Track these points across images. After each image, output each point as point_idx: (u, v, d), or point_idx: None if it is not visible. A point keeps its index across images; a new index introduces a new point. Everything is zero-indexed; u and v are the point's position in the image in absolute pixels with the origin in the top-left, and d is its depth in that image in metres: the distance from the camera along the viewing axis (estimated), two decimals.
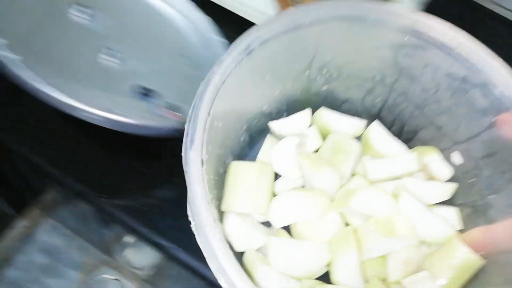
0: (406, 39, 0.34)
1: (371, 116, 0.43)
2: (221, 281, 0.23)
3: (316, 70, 0.39)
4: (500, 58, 0.32)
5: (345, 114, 0.42)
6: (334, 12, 0.34)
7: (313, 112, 0.42)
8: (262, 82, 0.36)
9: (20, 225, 0.39)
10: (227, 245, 0.23)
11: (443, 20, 0.34)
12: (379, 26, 0.34)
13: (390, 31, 0.34)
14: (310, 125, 0.42)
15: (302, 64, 0.37)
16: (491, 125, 0.33)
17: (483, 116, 0.33)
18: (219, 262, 0.23)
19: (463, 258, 0.32)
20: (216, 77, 0.28)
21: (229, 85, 0.30)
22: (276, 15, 0.34)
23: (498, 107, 0.32)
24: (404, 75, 0.37)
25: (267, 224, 0.37)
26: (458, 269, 0.32)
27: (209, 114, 0.27)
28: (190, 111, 0.27)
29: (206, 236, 0.23)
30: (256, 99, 0.37)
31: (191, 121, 0.26)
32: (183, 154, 0.25)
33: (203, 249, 0.24)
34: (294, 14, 0.33)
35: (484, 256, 0.32)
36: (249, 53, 0.30)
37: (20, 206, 0.40)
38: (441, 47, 0.32)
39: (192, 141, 0.25)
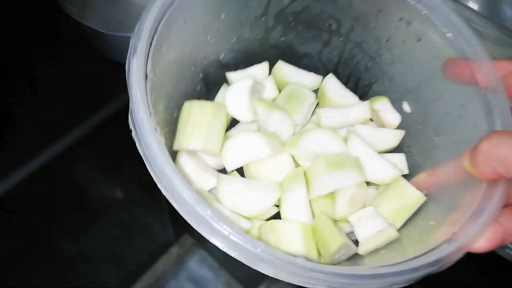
0: None
1: (328, 72, 0.43)
2: (161, 187, 0.23)
3: (273, 17, 0.39)
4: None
5: (302, 69, 0.43)
6: None
7: (272, 67, 0.42)
8: (217, 21, 0.36)
9: (174, 251, 0.40)
10: (167, 152, 0.23)
11: None
12: None
13: None
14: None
15: (259, 7, 0.37)
16: (440, 69, 0.34)
17: (433, 60, 0.34)
18: (159, 166, 0.22)
19: (407, 195, 0.33)
20: None
21: (179, 10, 0.29)
22: None
23: (448, 51, 0.33)
24: (358, 23, 0.38)
25: (221, 172, 0.37)
26: (402, 205, 0.33)
27: (155, 31, 0.27)
28: (136, 26, 0.26)
29: (146, 142, 0.23)
30: (212, 42, 0.37)
31: (136, 34, 0.26)
32: (126, 67, 0.25)
33: (143, 156, 0.23)
34: None
35: (426, 194, 0.33)
36: None
37: (177, 233, 0.42)
38: None
39: (135, 50, 0.24)
